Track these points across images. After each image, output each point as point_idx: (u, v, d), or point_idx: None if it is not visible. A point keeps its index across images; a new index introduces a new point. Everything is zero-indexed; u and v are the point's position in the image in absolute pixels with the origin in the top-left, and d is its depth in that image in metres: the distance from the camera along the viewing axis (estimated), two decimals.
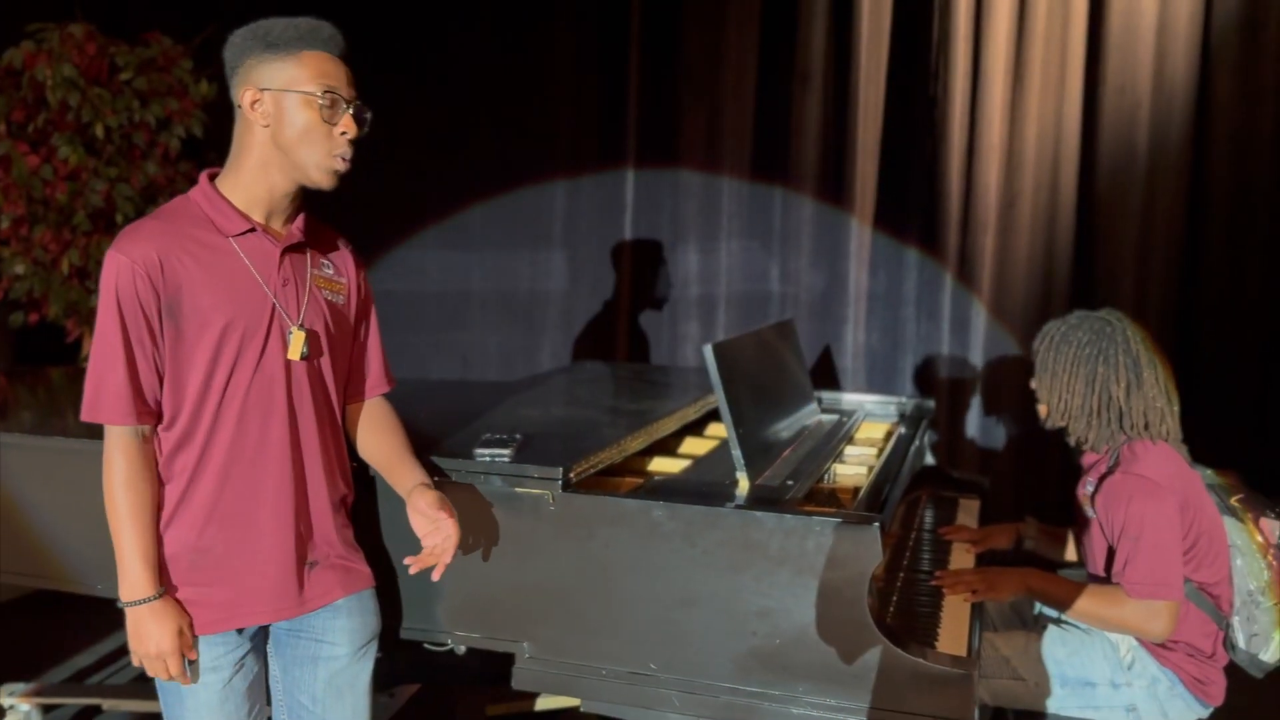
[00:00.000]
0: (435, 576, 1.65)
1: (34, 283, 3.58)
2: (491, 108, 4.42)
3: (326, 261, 1.72)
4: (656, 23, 4.21)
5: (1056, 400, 2.17)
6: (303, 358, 1.62)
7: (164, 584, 1.58)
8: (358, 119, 1.60)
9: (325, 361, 1.68)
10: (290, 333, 1.61)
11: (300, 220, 1.66)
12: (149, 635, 1.55)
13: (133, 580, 1.55)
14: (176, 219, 1.57)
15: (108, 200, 3.63)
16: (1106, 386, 2.10)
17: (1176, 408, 2.13)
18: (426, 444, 1.93)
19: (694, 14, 4.14)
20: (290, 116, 1.55)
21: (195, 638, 1.59)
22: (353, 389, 1.81)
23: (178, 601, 1.59)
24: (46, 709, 2.83)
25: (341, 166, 1.60)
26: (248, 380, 1.57)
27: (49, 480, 2.16)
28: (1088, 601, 2.03)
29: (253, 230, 1.59)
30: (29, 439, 2.19)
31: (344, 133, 1.58)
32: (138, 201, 3.68)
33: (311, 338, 1.64)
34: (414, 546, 1.89)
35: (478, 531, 1.83)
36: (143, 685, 2.91)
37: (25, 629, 3.39)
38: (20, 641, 3.29)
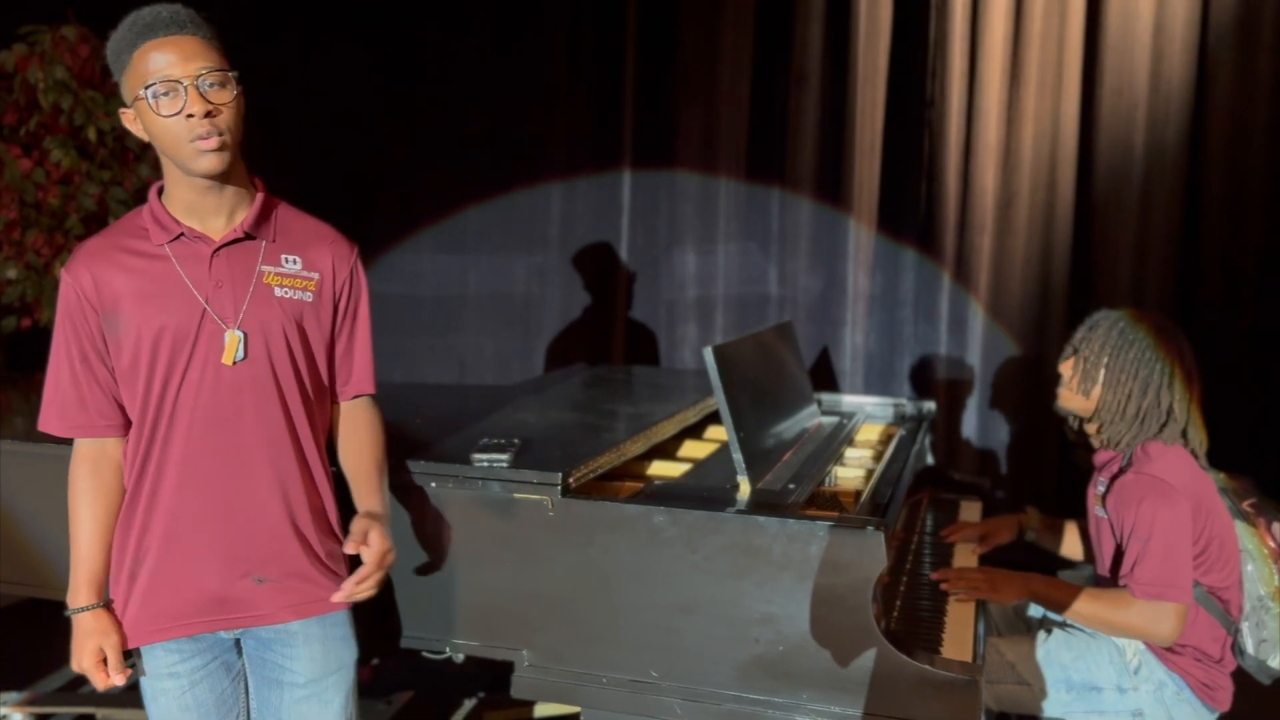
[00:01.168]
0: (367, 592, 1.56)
1: (26, 287, 3.55)
2: (487, 109, 4.40)
3: (292, 256, 1.61)
4: (652, 23, 4.19)
5: (1110, 396, 2.09)
6: (237, 362, 1.54)
7: (105, 595, 1.59)
8: (204, 91, 1.44)
9: (282, 363, 1.58)
10: (226, 336, 1.54)
11: (250, 216, 1.57)
12: (74, 648, 1.57)
13: (71, 590, 1.58)
14: (119, 234, 1.57)
15: (101, 204, 3.61)
16: (1160, 393, 2.06)
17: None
18: (423, 449, 1.90)
19: (689, 15, 4.12)
20: (146, 126, 1.49)
21: (135, 653, 1.59)
22: (331, 391, 1.74)
23: (112, 616, 1.58)
24: (40, 718, 2.80)
25: (207, 147, 1.45)
26: (178, 388, 1.54)
27: (41, 487, 2.13)
28: (1093, 605, 2.01)
29: (182, 235, 1.54)
30: (21, 446, 2.17)
31: (191, 115, 1.44)
32: (131, 205, 3.65)
33: (253, 340, 1.55)
34: (413, 555, 1.87)
35: (475, 538, 1.81)
36: (136, 694, 2.87)
37: (18, 637, 3.36)
38: (13, 650, 3.26)
